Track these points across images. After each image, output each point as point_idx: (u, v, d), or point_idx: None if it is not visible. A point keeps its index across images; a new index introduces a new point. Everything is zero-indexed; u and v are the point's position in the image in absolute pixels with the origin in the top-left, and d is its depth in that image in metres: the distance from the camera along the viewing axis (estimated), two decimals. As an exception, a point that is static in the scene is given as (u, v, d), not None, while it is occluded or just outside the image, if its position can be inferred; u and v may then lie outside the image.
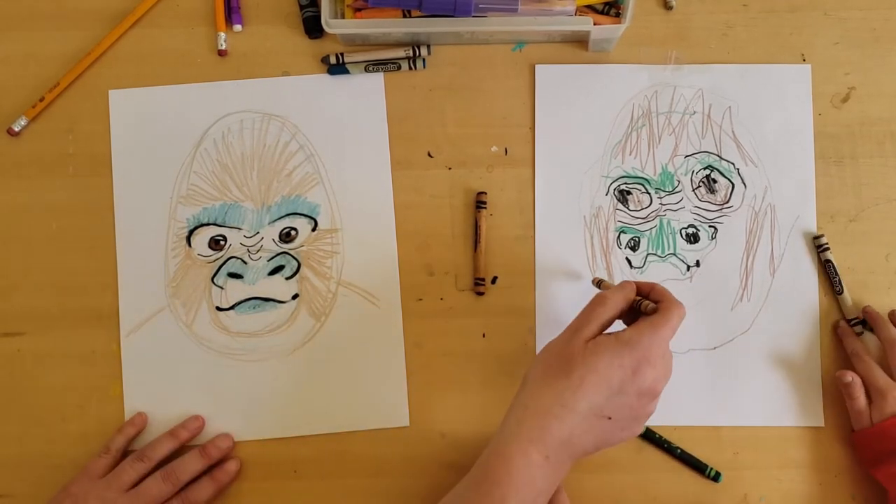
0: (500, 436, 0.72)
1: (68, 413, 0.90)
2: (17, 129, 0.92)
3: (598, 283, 0.87)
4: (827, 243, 0.90)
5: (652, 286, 0.78)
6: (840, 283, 0.89)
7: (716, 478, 0.88)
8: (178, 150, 0.92)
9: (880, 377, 0.85)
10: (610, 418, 0.71)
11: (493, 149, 0.93)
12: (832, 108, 0.92)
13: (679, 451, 0.88)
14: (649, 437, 0.88)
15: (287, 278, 0.91)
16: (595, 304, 0.76)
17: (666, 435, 0.89)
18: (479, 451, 0.88)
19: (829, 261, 0.90)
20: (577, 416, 0.70)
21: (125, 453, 0.88)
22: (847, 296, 0.90)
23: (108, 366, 0.90)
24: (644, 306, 0.76)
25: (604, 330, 0.75)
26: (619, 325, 0.77)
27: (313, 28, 0.92)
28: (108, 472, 0.85)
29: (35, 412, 0.90)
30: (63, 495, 0.83)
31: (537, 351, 0.90)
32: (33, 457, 0.90)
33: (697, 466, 0.88)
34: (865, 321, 0.89)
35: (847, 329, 0.89)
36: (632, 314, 0.78)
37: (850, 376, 0.85)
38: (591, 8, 0.91)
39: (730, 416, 0.89)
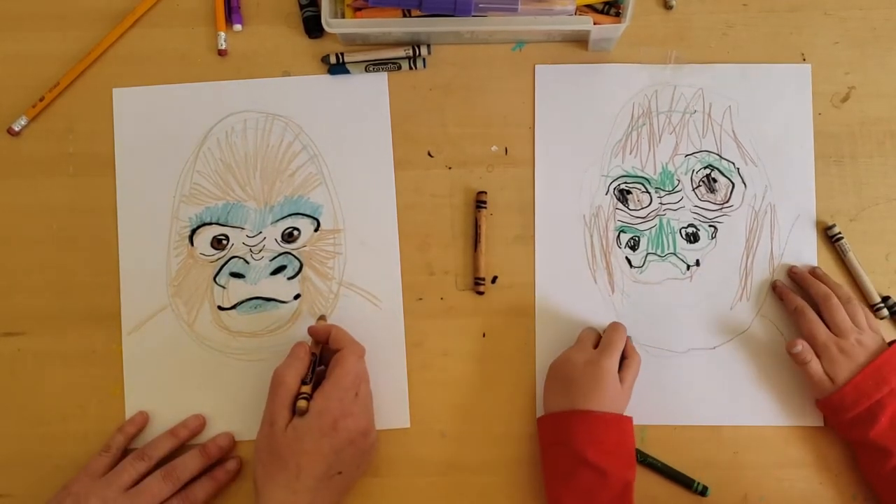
0: None
1: (68, 413, 0.90)
2: (17, 129, 0.92)
3: (321, 320, 0.91)
4: (840, 232, 0.90)
5: (328, 331, 0.85)
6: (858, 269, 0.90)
7: (703, 492, 0.87)
8: (181, 148, 0.92)
9: (821, 331, 0.85)
10: (341, 472, 0.81)
11: (493, 148, 0.93)
12: (832, 107, 0.93)
13: (661, 465, 0.88)
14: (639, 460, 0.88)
15: (289, 278, 0.91)
16: (275, 387, 0.81)
17: (666, 435, 0.89)
18: (479, 450, 0.89)
19: (845, 250, 0.90)
20: (312, 492, 0.78)
21: (125, 452, 0.88)
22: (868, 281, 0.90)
23: (108, 365, 0.90)
24: (297, 408, 0.81)
25: (294, 405, 0.81)
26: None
27: (313, 28, 0.92)
28: (109, 470, 0.85)
29: (35, 412, 0.90)
30: (63, 494, 0.83)
31: (537, 351, 0.90)
32: (33, 457, 0.90)
33: (684, 482, 0.88)
34: (888, 300, 0.90)
35: (784, 287, 0.89)
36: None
37: (800, 344, 0.85)
38: (591, 7, 0.91)
39: (730, 416, 0.89)
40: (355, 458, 0.82)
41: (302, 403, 0.80)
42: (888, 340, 0.86)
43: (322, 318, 0.90)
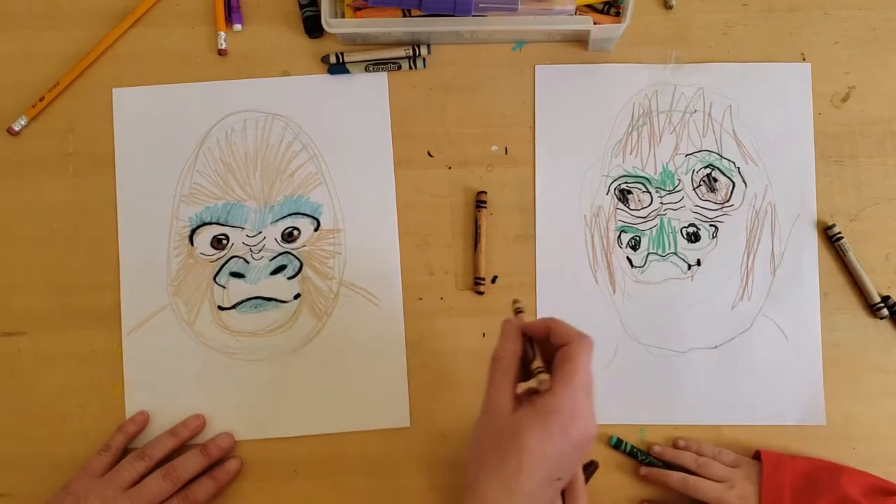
0: None
1: (68, 413, 0.90)
2: (17, 129, 0.92)
3: (516, 306, 0.76)
4: (840, 232, 0.90)
5: (548, 326, 0.72)
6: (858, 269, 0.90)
7: None
8: (181, 148, 0.92)
9: (711, 489, 0.84)
10: (559, 479, 0.70)
11: (493, 148, 0.93)
12: (832, 107, 0.93)
13: (661, 464, 0.88)
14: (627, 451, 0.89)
15: (289, 278, 0.91)
16: (493, 369, 0.72)
17: (666, 434, 0.89)
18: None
19: (845, 250, 0.90)
20: (528, 497, 0.67)
21: (125, 452, 0.88)
22: (868, 280, 0.90)
23: (108, 365, 0.90)
24: (539, 382, 0.70)
25: (515, 387, 0.71)
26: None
27: (313, 27, 0.92)
28: (109, 469, 0.85)
29: (35, 412, 0.90)
30: (63, 493, 0.83)
31: (538, 350, 0.90)
32: (33, 457, 0.90)
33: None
34: (888, 300, 0.90)
35: (652, 473, 0.87)
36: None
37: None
38: (591, 7, 0.91)
39: (730, 415, 0.89)
40: (574, 464, 0.72)
41: (543, 377, 0.69)
42: (754, 452, 0.88)
43: (519, 307, 0.76)
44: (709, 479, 0.85)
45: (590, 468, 0.87)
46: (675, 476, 0.86)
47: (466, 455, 0.72)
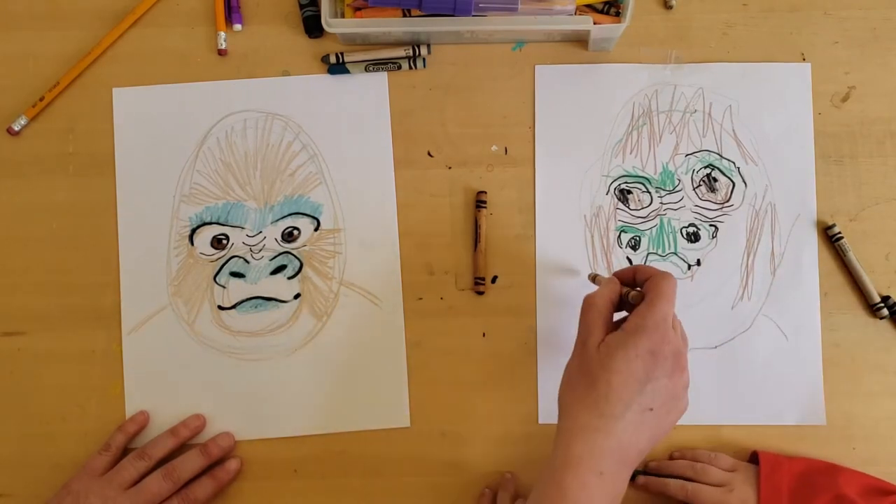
0: (550, 464, 0.70)
1: (68, 413, 0.90)
2: (17, 129, 0.92)
3: (594, 278, 0.86)
4: (840, 232, 0.90)
5: (634, 269, 0.78)
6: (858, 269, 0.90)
7: None
8: (181, 148, 0.92)
9: (709, 494, 0.84)
10: (651, 409, 0.70)
11: (493, 148, 0.93)
12: (832, 107, 0.93)
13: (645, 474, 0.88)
14: None
15: (289, 278, 0.91)
16: (586, 310, 0.75)
17: (666, 434, 0.89)
18: (479, 450, 0.89)
19: (845, 250, 0.90)
20: (620, 421, 0.69)
21: (126, 451, 0.88)
22: (868, 281, 0.90)
23: (108, 365, 0.90)
24: (631, 297, 0.75)
25: (608, 328, 0.74)
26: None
27: (313, 27, 0.92)
28: (109, 469, 0.85)
29: (35, 412, 0.90)
30: (64, 492, 0.83)
31: (538, 351, 0.90)
32: (33, 457, 0.90)
33: None
34: (888, 300, 0.90)
35: (650, 482, 0.87)
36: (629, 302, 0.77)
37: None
38: (591, 7, 0.91)
39: (730, 415, 0.89)
40: (667, 400, 0.71)
41: (634, 292, 0.74)
42: (751, 454, 0.88)
43: (597, 276, 0.85)
44: (707, 484, 0.85)
45: None
46: (673, 484, 0.86)
47: (560, 391, 0.74)
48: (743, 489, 0.84)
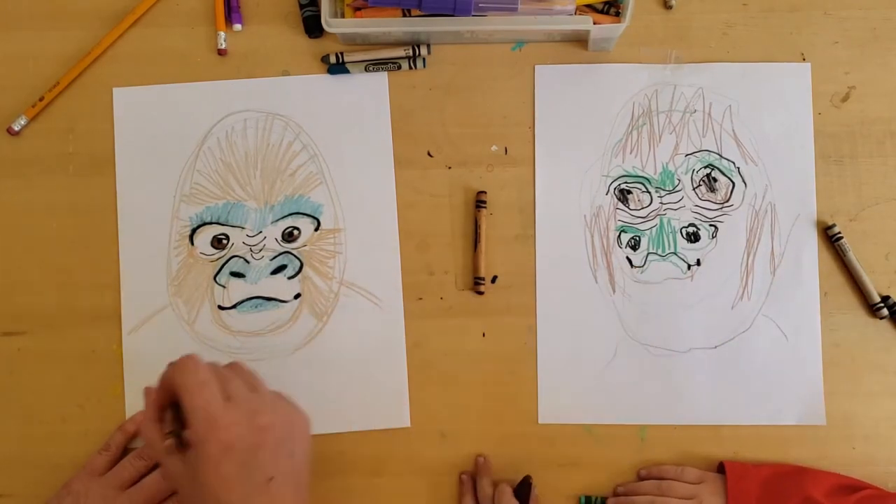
0: None
1: (68, 413, 0.90)
2: (17, 129, 0.92)
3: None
4: (840, 232, 0.90)
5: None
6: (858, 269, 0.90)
7: None
8: (181, 148, 0.92)
9: (683, 489, 0.85)
10: (271, 477, 0.67)
11: (493, 148, 0.93)
12: (832, 107, 0.93)
13: None
14: None
15: (289, 278, 0.91)
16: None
17: (666, 434, 0.89)
18: (479, 450, 0.89)
19: (845, 250, 0.90)
20: None
21: (125, 451, 0.88)
22: (868, 281, 0.90)
23: (108, 365, 0.90)
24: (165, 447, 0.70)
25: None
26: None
27: (313, 27, 0.92)
28: (109, 469, 0.85)
29: (35, 412, 0.90)
30: (64, 492, 0.83)
31: (538, 351, 0.90)
32: (33, 457, 0.90)
33: None
34: (888, 300, 0.90)
35: (622, 500, 0.87)
36: None
37: None
38: (590, 7, 0.91)
39: (730, 415, 0.89)
40: (273, 446, 0.69)
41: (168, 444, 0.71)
42: (718, 465, 0.88)
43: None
44: (675, 498, 0.85)
45: (524, 487, 0.87)
46: (641, 500, 0.85)
47: None
48: (710, 500, 0.84)
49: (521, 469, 0.88)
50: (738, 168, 0.92)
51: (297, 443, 0.71)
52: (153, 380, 0.89)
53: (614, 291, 0.91)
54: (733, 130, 0.92)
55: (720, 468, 0.87)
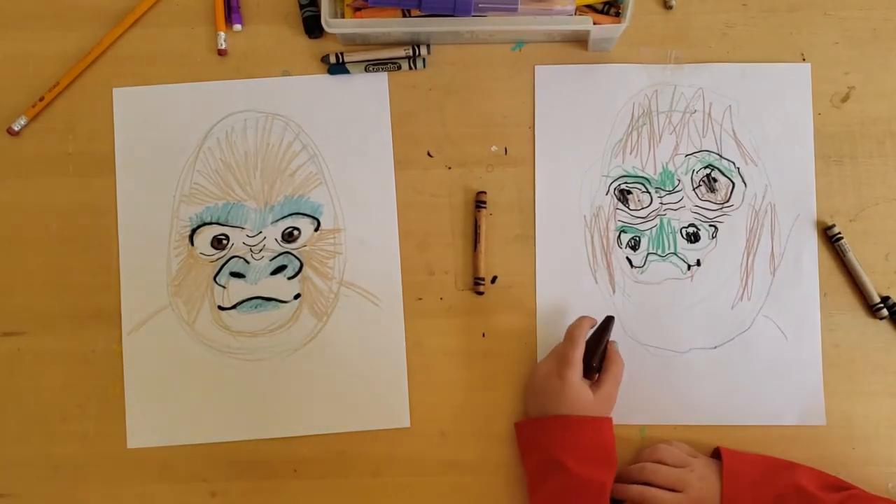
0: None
1: (68, 413, 0.90)
2: (17, 129, 0.92)
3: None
4: (840, 233, 0.90)
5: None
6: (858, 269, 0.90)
7: None
8: (181, 148, 0.92)
9: (667, 499, 0.83)
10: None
11: (493, 148, 0.93)
12: (832, 107, 0.93)
13: None
14: None
15: (289, 278, 0.91)
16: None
17: (666, 434, 0.89)
18: (479, 450, 0.89)
19: (844, 250, 0.90)
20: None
21: None
22: (867, 281, 0.90)
23: (108, 365, 0.90)
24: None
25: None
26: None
27: (313, 28, 0.92)
28: None
29: (35, 412, 0.90)
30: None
31: (538, 351, 0.90)
32: (33, 457, 0.90)
33: None
34: (888, 300, 0.90)
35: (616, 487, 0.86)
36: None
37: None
38: (590, 7, 0.91)
39: (730, 415, 0.89)
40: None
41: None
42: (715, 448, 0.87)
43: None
44: (662, 486, 0.84)
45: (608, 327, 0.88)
46: (628, 491, 0.85)
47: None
48: (704, 472, 0.83)
49: (520, 469, 0.88)
50: (738, 168, 0.92)
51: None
52: (153, 380, 0.90)
53: (614, 292, 0.91)
54: (733, 131, 0.92)
55: (715, 454, 0.87)
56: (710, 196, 0.92)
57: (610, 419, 0.84)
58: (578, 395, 0.83)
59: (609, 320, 0.88)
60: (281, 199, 0.92)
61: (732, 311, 0.91)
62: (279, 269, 0.91)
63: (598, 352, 0.86)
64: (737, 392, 0.90)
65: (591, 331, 0.87)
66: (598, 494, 0.80)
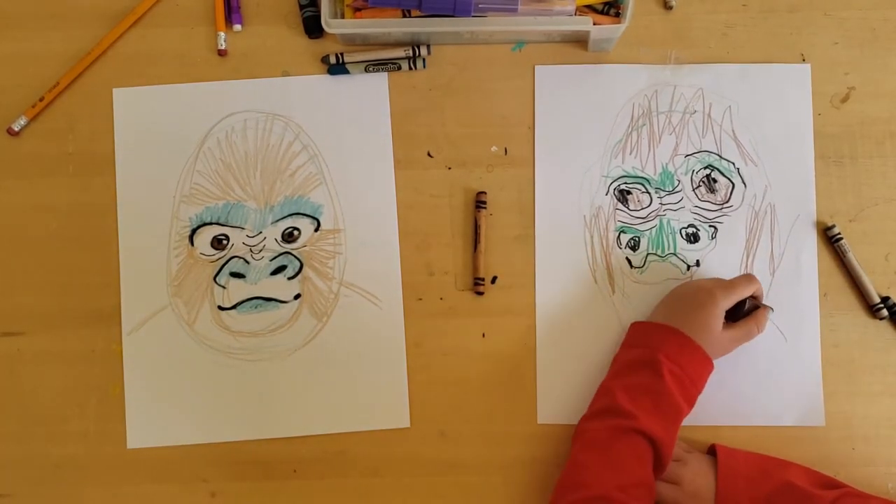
0: None
1: (68, 413, 0.90)
2: (17, 129, 0.92)
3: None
4: (840, 233, 0.90)
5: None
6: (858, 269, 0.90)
7: None
8: (181, 148, 0.92)
9: (662, 490, 0.83)
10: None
11: (493, 149, 0.93)
12: (832, 107, 0.93)
13: None
14: None
15: (289, 278, 0.91)
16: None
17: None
18: (479, 450, 0.89)
19: (844, 250, 0.90)
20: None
21: None
22: (867, 281, 0.90)
23: (108, 365, 0.90)
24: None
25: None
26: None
27: (313, 28, 0.92)
28: None
29: (35, 412, 0.90)
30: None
31: (537, 351, 0.90)
32: (33, 457, 0.90)
33: None
34: (888, 301, 0.90)
35: None
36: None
37: None
38: (590, 8, 0.91)
39: (729, 416, 0.89)
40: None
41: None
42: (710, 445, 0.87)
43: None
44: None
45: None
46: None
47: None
48: (698, 466, 0.84)
49: (520, 469, 0.88)
50: (738, 169, 0.92)
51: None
52: (153, 380, 0.90)
53: (614, 292, 0.91)
54: (733, 131, 0.92)
55: (710, 452, 0.87)
56: (710, 196, 0.92)
57: (712, 366, 0.83)
58: (711, 316, 0.82)
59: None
60: (281, 199, 0.92)
61: (732, 312, 0.91)
62: (279, 270, 0.91)
63: (750, 305, 0.86)
64: (736, 393, 0.90)
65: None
66: (676, 417, 0.80)
